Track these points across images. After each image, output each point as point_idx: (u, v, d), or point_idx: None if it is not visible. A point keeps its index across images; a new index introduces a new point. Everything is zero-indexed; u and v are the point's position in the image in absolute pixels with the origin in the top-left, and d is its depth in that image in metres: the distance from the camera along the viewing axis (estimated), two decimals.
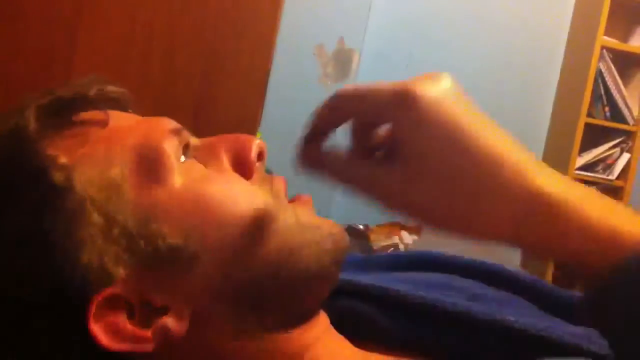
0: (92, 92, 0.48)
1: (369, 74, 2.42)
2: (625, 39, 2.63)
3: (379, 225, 2.27)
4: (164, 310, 0.42)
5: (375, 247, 2.11)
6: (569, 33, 2.67)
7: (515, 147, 0.39)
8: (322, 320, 0.48)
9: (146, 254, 0.42)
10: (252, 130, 1.50)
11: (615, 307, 0.37)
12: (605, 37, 2.49)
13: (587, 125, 2.51)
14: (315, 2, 2.33)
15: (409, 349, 0.48)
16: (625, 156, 2.62)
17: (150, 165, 0.44)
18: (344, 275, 0.54)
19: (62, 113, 0.45)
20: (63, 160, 0.42)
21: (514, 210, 0.37)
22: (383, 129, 0.42)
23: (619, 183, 2.58)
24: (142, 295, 0.42)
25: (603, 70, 2.55)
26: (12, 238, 0.41)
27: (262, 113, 1.56)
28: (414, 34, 2.52)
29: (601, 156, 2.64)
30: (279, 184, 0.49)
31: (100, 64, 1.33)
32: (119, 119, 0.47)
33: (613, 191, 2.55)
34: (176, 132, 0.46)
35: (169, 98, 1.38)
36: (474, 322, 0.47)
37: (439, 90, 0.38)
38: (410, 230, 2.20)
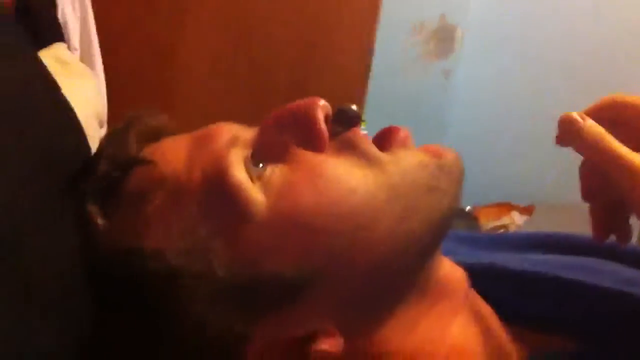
0: (132, 148, 0.45)
1: (472, 50, 2.34)
2: None
3: (487, 206, 2.20)
4: (311, 338, 0.40)
5: (484, 229, 2.04)
6: None
7: None
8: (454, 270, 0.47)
9: (269, 298, 0.40)
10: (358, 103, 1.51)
11: None
12: None
13: None
14: None
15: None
16: None
17: (227, 204, 0.40)
18: (473, 257, 0.52)
19: (115, 192, 0.43)
20: (150, 247, 0.40)
21: None
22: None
23: None
24: (284, 336, 0.41)
25: None
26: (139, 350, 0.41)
27: (366, 92, 1.56)
28: (517, 10, 2.40)
29: None
30: (360, 139, 0.44)
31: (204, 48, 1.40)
32: (169, 161, 0.43)
33: None
34: (234, 142, 0.43)
35: (265, 82, 1.42)
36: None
37: None
38: (522, 211, 2.11)
